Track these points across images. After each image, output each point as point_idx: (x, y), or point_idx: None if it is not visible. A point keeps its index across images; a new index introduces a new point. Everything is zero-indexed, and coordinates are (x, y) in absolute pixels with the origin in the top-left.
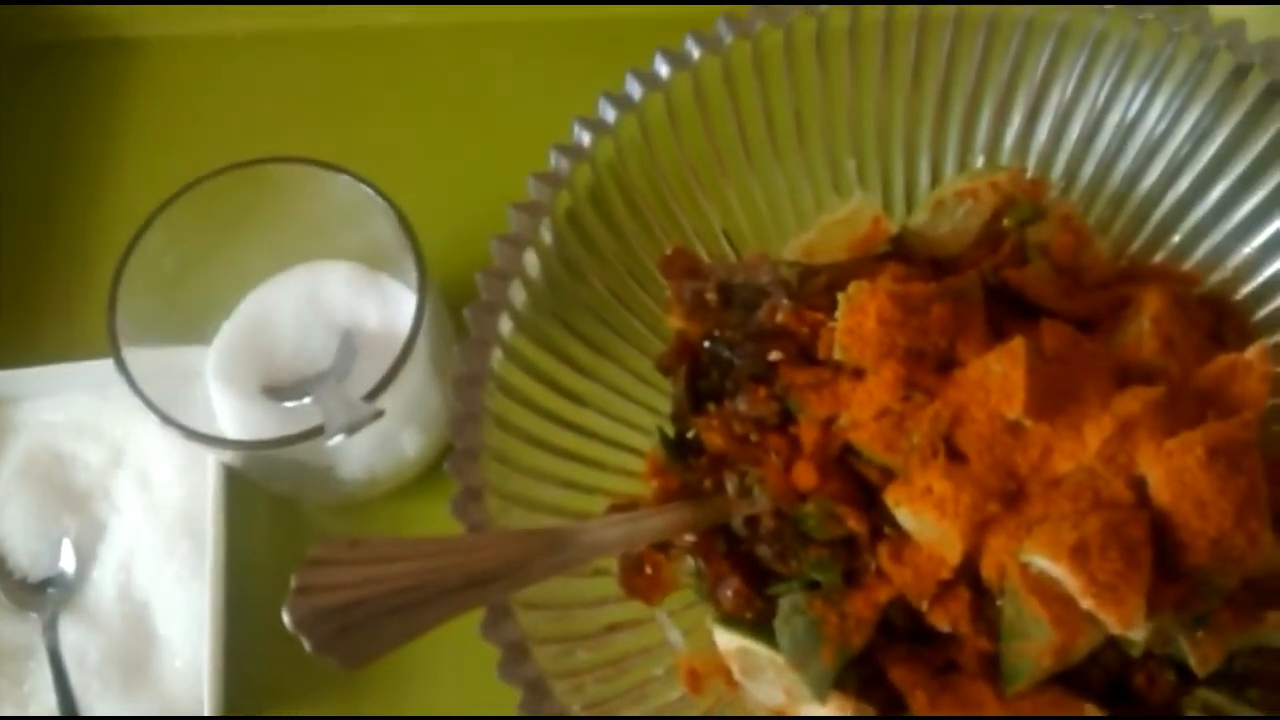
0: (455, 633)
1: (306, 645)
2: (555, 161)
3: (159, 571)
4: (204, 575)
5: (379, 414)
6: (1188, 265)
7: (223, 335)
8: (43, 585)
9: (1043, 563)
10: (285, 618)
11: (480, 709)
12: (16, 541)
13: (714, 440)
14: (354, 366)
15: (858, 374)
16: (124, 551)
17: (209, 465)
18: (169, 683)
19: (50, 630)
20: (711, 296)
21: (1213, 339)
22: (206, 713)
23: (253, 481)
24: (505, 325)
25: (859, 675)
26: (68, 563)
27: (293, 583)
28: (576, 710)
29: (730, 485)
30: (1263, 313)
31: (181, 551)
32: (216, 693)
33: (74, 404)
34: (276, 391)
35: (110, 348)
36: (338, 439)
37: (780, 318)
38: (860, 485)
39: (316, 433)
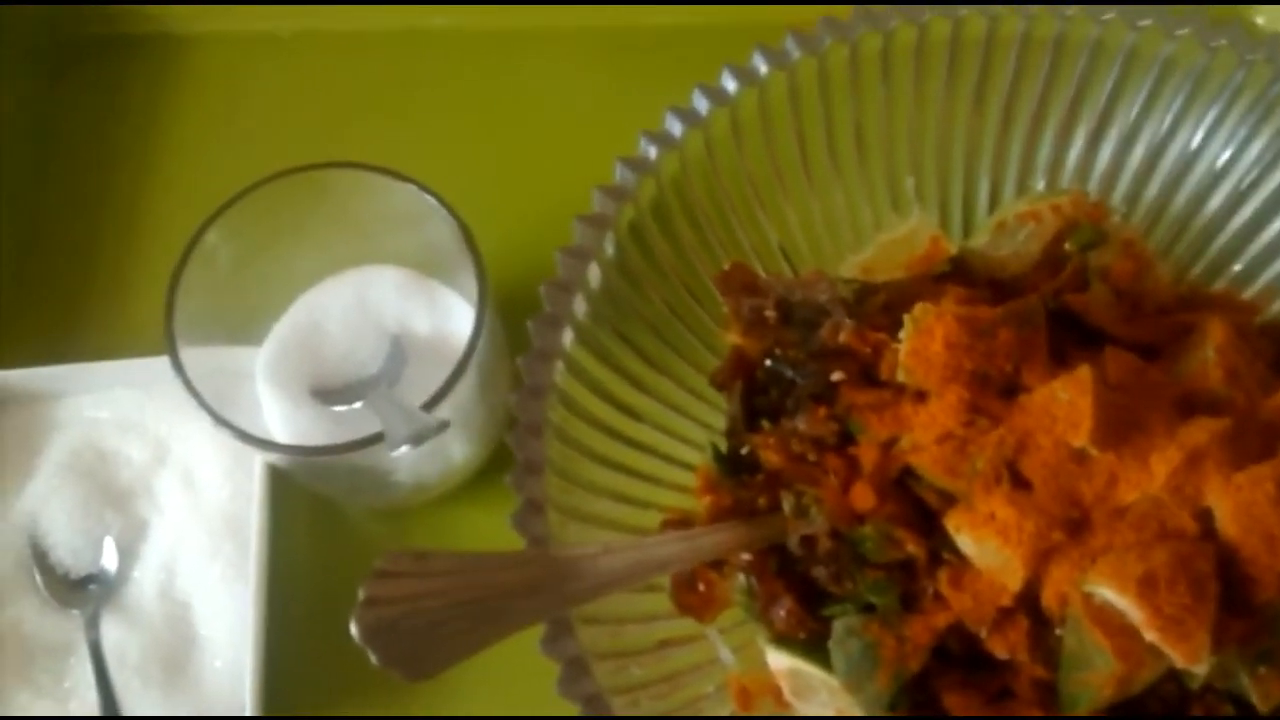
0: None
1: (373, 658)
2: (621, 174)
3: (202, 572)
4: (247, 577)
5: (444, 426)
6: (1249, 294)
7: (273, 337)
8: (84, 582)
9: (1107, 593)
10: (353, 629)
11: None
12: (59, 538)
13: (771, 458)
14: (404, 372)
15: (920, 396)
16: (166, 551)
17: (255, 467)
18: (209, 683)
19: (92, 627)
20: (770, 313)
21: (1275, 370)
22: (248, 713)
23: (297, 484)
24: (567, 337)
25: (912, 699)
26: (110, 560)
27: (360, 594)
28: None
29: (787, 504)
30: None
31: (225, 553)
32: (257, 694)
33: (119, 401)
34: (325, 395)
35: (168, 347)
36: (402, 450)
37: (843, 337)
38: (919, 509)
39: (376, 440)
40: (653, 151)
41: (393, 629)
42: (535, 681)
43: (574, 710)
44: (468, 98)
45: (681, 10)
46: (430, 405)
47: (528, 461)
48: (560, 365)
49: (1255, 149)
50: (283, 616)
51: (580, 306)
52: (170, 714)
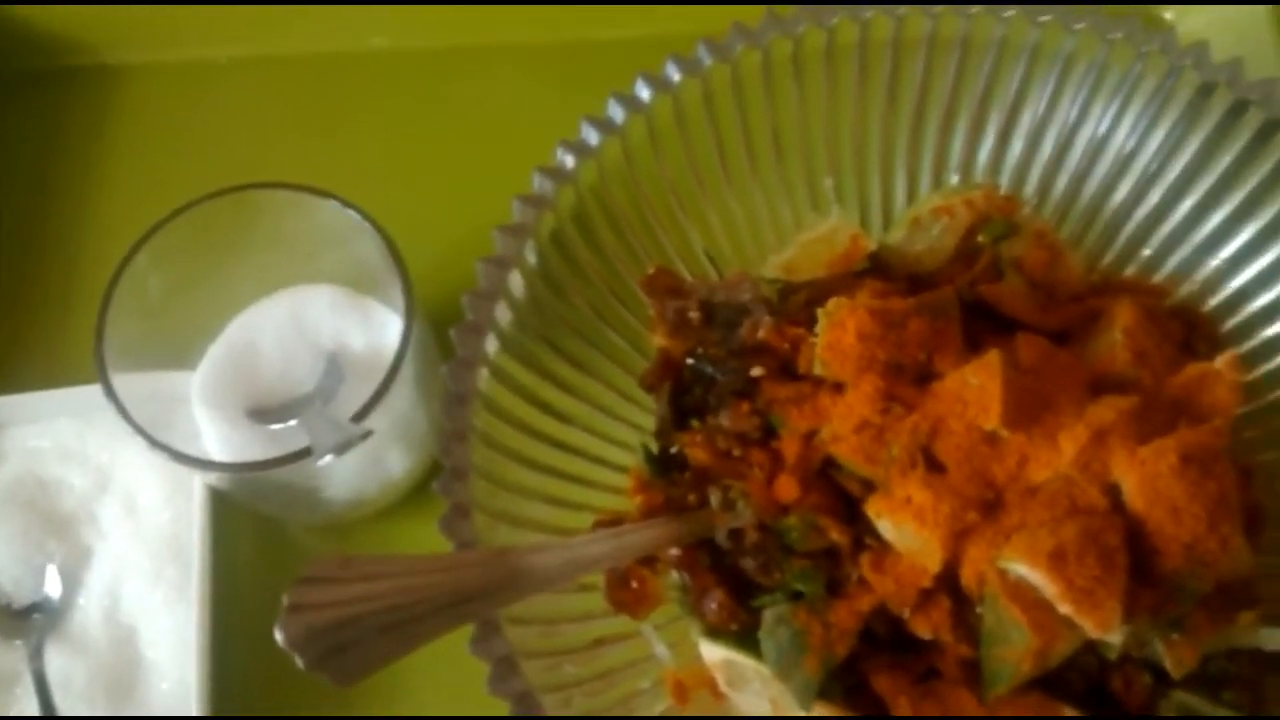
0: (445, 649)
1: (300, 662)
2: (539, 184)
3: (146, 595)
4: (190, 598)
5: (368, 434)
6: (1158, 278)
7: (208, 360)
8: (28, 611)
9: (1021, 569)
10: (278, 635)
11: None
12: (1, 567)
13: (698, 455)
14: (339, 390)
15: (838, 388)
16: (110, 576)
17: (195, 489)
18: (156, 705)
19: (36, 657)
20: (694, 314)
21: (1184, 349)
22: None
23: (239, 504)
24: (491, 345)
25: (843, 684)
26: (53, 588)
27: (284, 601)
28: None
29: (714, 499)
30: (1231, 323)
31: (168, 575)
32: (204, 714)
33: (59, 430)
34: (262, 415)
35: (98, 373)
36: (326, 459)
37: (762, 334)
38: (842, 497)
39: (304, 454)
40: (570, 160)
41: (319, 634)
42: (477, 683)
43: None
44: (399, 117)
45: (602, 26)
46: (360, 417)
47: (454, 467)
48: (485, 372)
49: (1157, 138)
50: (228, 635)
51: (504, 314)
52: None
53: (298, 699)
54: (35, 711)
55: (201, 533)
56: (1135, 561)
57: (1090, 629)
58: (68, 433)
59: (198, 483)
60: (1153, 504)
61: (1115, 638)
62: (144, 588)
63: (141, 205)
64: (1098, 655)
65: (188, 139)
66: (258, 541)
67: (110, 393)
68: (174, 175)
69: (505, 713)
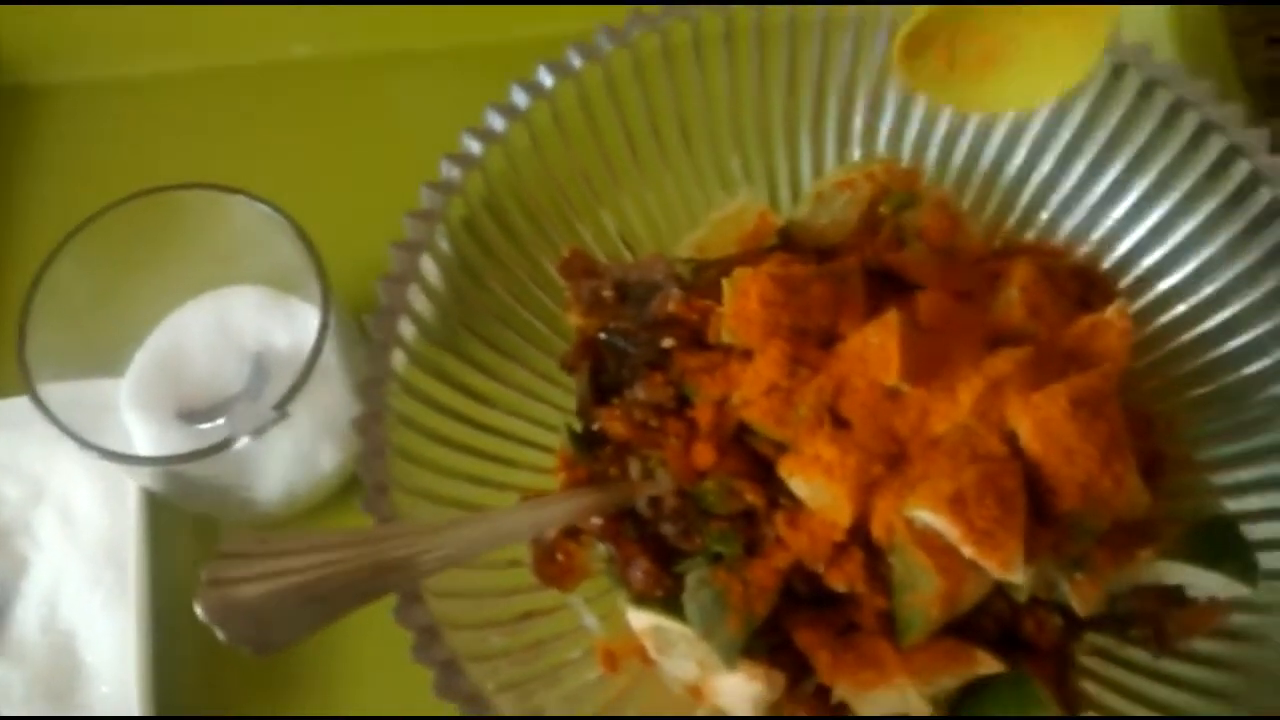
0: (379, 627)
1: (220, 635)
2: (446, 170)
3: (84, 602)
4: (129, 602)
5: (283, 416)
6: (1058, 241)
7: (136, 365)
8: None
9: (925, 516)
10: (197, 609)
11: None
12: None
13: (616, 428)
14: (266, 389)
15: (747, 355)
16: (47, 585)
17: (130, 494)
18: (97, 709)
19: None
20: (608, 293)
21: (1082, 306)
22: None
23: (175, 508)
24: (407, 329)
25: (766, 642)
26: None
27: (203, 576)
28: (491, 689)
29: (633, 469)
30: (1126, 280)
31: (107, 581)
32: (146, 714)
33: None
34: (192, 416)
35: (22, 381)
36: (243, 442)
37: (671, 307)
38: (756, 461)
39: (226, 444)
40: (475, 146)
41: (237, 607)
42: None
43: None
44: (317, 123)
45: (516, 24)
46: (281, 405)
47: (371, 447)
48: (401, 355)
49: (1047, 106)
50: (167, 636)
51: (419, 299)
52: None
53: (239, 695)
54: None
55: (137, 536)
56: (1034, 504)
57: (993, 569)
58: (1, 445)
59: (132, 488)
60: (1047, 446)
61: (1018, 577)
62: (82, 594)
63: (59, 219)
64: (1008, 600)
65: (109, 157)
66: (195, 544)
67: (36, 399)
68: (92, 189)
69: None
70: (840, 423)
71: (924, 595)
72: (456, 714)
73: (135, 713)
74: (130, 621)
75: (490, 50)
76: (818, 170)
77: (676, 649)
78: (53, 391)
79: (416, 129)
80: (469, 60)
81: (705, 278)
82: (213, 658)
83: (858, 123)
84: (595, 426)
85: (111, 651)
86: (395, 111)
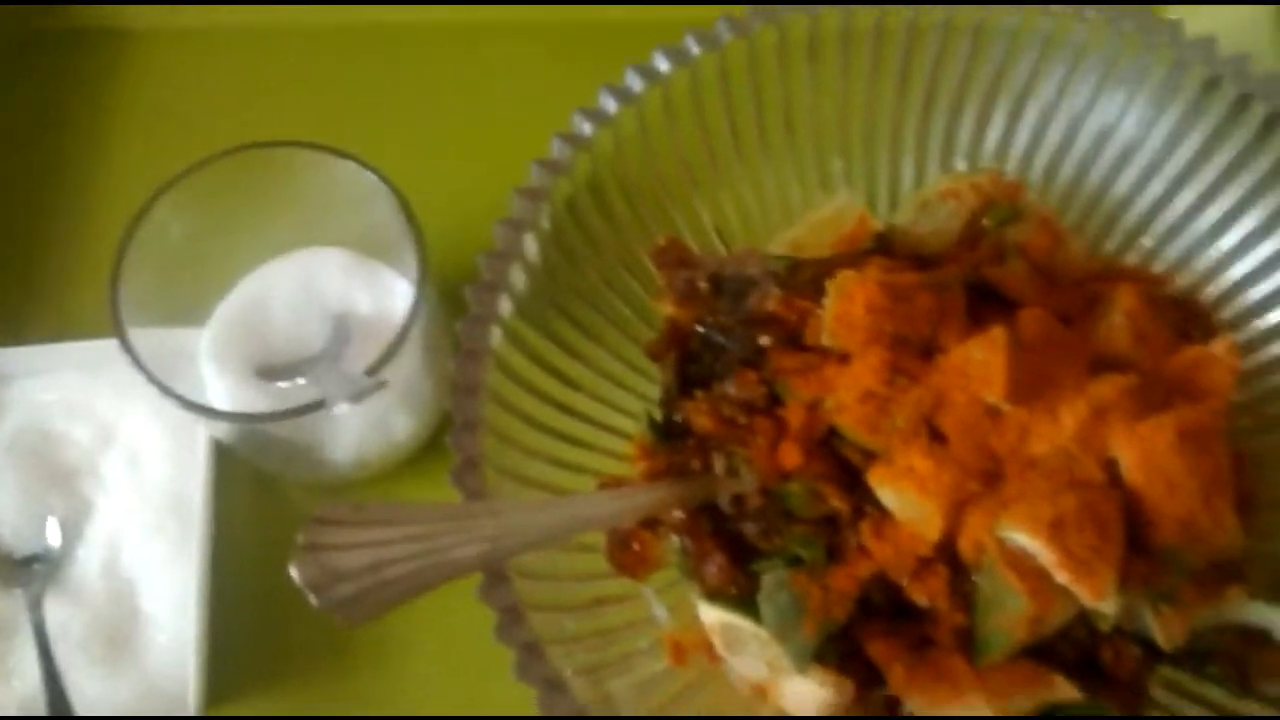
0: (437, 606)
1: (313, 601)
2: (557, 150)
3: (146, 549)
4: (190, 553)
5: (382, 384)
6: (1158, 267)
7: (217, 317)
8: (28, 561)
9: (1020, 538)
10: (293, 573)
11: (466, 680)
12: (3, 518)
13: (702, 422)
14: (345, 352)
15: (843, 359)
16: (111, 529)
17: (199, 445)
18: (153, 658)
19: (35, 606)
20: (703, 285)
21: (1181, 337)
22: (191, 686)
23: (241, 464)
24: (504, 306)
25: (838, 649)
26: (54, 540)
27: (300, 540)
28: (568, 674)
29: (718, 465)
30: (1227, 313)
31: (169, 530)
32: (201, 667)
33: (66, 383)
34: (269, 373)
35: (113, 323)
36: (342, 408)
37: (770, 305)
38: (844, 467)
39: (317, 406)
40: (587, 128)
41: (332, 574)
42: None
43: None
44: (418, 88)
45: (624, 4)
46: (373, 371)
47: (465, 420)
48: (498, 331)
49: (1161, 129)
50: (226, 590)
51: (518, 276)
52: (114, 688)
53: (293, 653)
54: (33, 660)
55: (204, 488)
56: (1131, 534)
57: (1085, 597)
58: (74, 386)
59: (202, 438)
60: (1150, 478)
61: (1109, 607)
62: (144, 541)
63: (147, 169)
64: (1089, 627)
65: (193, 106)
66: (257, 499)
67: (125, 344)
68: (180, 141)
69: (499, 669)
70: (936, 436)
71: (1011, 617)
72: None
73: (191, 666)
74: (192, 573)
75: (606, 28)
76: (919, 178)
77: (746, 648)
78: (135, 337)
79: (522, 103)
80: (584, 36)
81: (801, 277)
82: (269, 615)
83: (965, 132)
84: (677, 417)
85: (170, 602)
86: (503, 83)
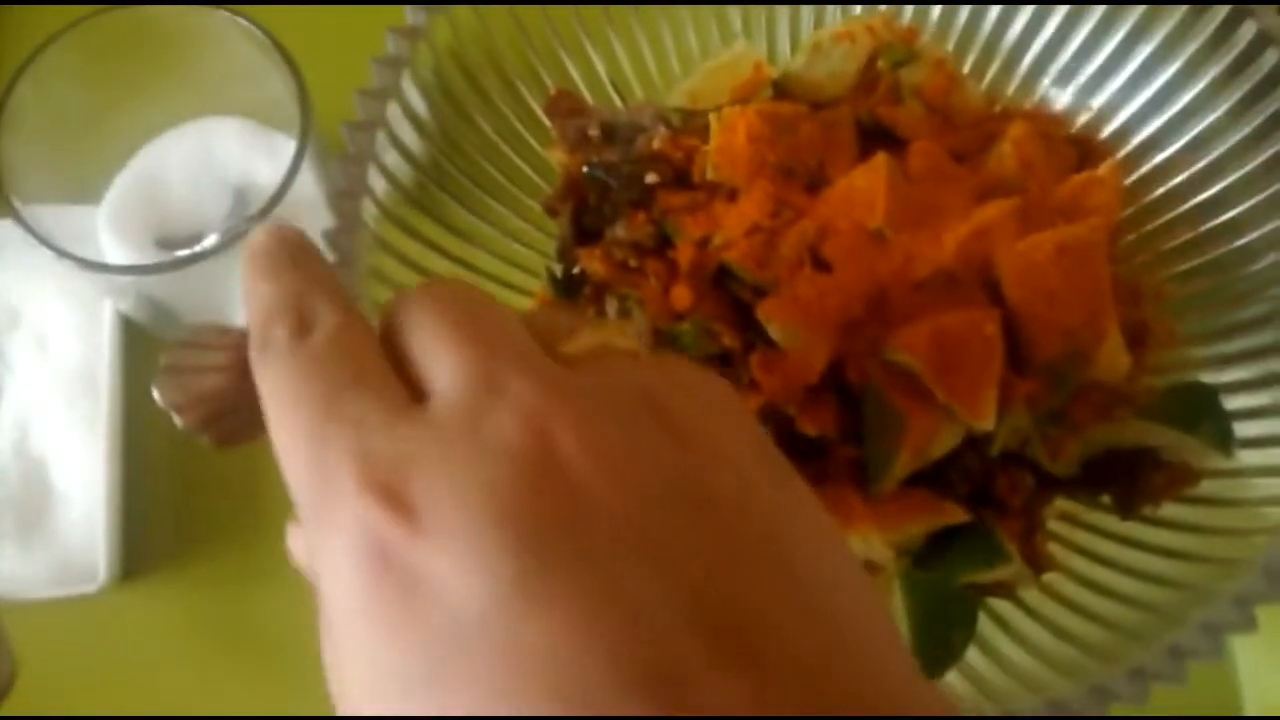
0: None
1: (177, 422)
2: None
3: (56, 429)
4: (100, 431)
5: (258, 221)
6: (1057, 108)
7: (114, 190)
8: None
9: (901, 359)
10: (155, 395)
11: None
12: None
13: (596, 269)
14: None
15: (731, 196)
16: (20, 411)
17: (105, 321)
18: (66, 534)
19: None
20: (594, 133)
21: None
22: (102, 560)
23: (150, 340)
24: (385, 149)
25: None
26: None
27: (161, 361)
28: None
29: (611, 309)
30: (1123, 152)
31: (80, 408)
32: (112, 541)
33: None
34: (169, 244)
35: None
36: (213, 245)
37: (657, 144)
38: (735, 306)
39: (200, 255)
40: None
41: (196, 396)
42: None
43: None
44: None
45: None
46: (263, 214)
47: (342, 261)
48: (375, 173)
49: None
50: (138, 466)
51: (399, 121)
52: (27, 564)
53: (206, 530)
54: None
55: (111, 365)
56: (1013, 352)
57: (966, 415)
58: None
59: (108, 316)
60: (1030, 292)
61: (989, 425)
62: (54, 421)
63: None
64: (981, 456)
65: None
66: None
67: (16, 215)
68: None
69: None
70: (822, 266)
71: (896, 440)
72: None
73: (101, 540)
74: (101, 450)
75: None
76: (819, 27)
77: None
78: (29, 215)
79: None
80: None
81: (693, 125)
82: (183, 490)
83: None
84: (576, 269)
85: (82, 480)
86: None
